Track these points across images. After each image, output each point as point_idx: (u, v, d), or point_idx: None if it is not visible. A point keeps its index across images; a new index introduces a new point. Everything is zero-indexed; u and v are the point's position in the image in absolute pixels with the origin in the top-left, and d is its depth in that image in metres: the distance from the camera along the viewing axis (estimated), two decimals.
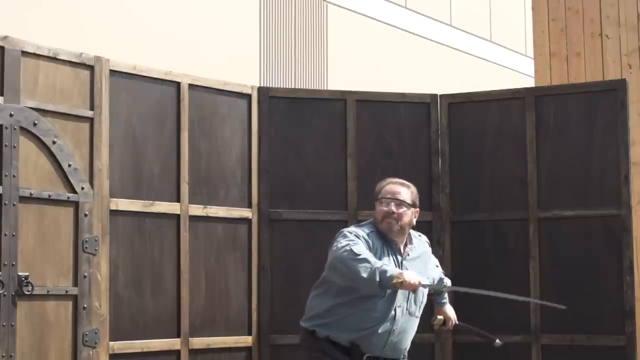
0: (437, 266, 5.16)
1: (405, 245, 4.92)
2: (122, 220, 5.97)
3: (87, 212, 5.73)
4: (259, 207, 6.68)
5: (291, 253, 6.76)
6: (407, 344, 4.92)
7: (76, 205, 5.69)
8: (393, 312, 4.79)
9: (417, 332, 5.01)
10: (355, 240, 4.72)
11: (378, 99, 7.08)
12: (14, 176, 5.37)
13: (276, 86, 11.78)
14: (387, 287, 4.58)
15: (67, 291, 5.60)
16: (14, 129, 5.39)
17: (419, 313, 4.93)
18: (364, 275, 4.55)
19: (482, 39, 16.27)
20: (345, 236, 4.77)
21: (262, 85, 11.46)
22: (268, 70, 12.13)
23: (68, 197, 5.65)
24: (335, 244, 4.74)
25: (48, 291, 5.50)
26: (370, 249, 4.74)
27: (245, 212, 6.62)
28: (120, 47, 9.40)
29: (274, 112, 6.80)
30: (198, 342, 6.29)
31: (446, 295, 5.17)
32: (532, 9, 8.72)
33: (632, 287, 6.60)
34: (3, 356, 5.23)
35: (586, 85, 7.44)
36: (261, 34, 12.11)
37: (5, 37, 5.45)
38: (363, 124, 6.96)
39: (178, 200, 6.27)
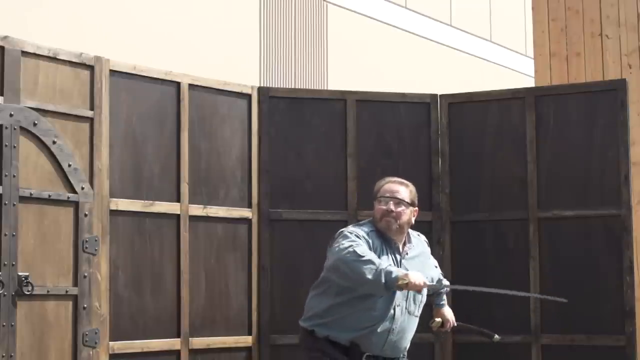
0: (436, 267, 5.16)
1: (404, 244, 4.93)
2: (122, 220, 5.97)
3: (87, 212, 5.73)
4: (259, 207, 6.68)
5: (291, 253, 6.76)
6: (406, 343, 4.92)
7: (76, 205, 5.69)
8: (392, 311, 4.79)
9: (417, 332, 5.01)
10: (357, 241, 4.72)
11: (378, 99, 7.08)
12: (14, 176, 5.37)
13: (276, 86, 11.78)
14: (393, 288, 4.59)
15: (67, 291, 5.60)
16: (14, 129, 5.39)
17: (418, 312, 4.94)
18: (369, 276, 4.55)
19: (482, 39, 16.27)
20: (346, 237, 4.76)
21: (262, 85, 11.46)
22: (268, 70, 12.13)
23: (68, 197, 5.65)
24: (336, 245, 4.74)
25: (48, 291, 5.50)
26: (370, 248, 4.75)
27: (245, 212, 6.62)
28: (120, 47, 9.40)
29: (274, 112, 6.80)
30: (198, 342, 6.29)
31: (445, 297, 5.18)
32: (532, 9, 8.72)
33: (632, 287, 6.60)
34: (3, 356, 5.23)
35: (586, 85, 7.44)
36: (261, 34, 12.11)
37: (5, 37, 5.45)
38: (363, 124, 6.96)
39: (178, 200, 6.27)
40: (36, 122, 5.49)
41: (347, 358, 4.78)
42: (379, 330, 4.77)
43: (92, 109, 5.83)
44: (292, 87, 12.14)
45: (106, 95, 5.91)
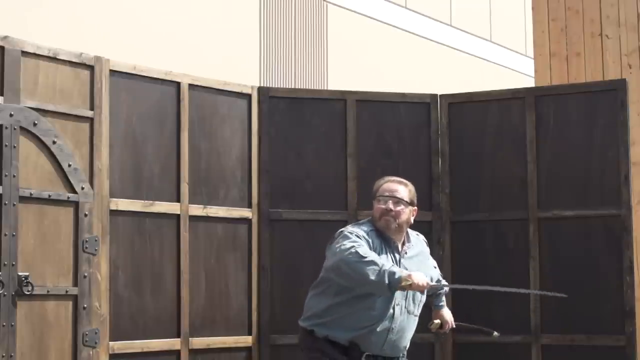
0: (435, 267, 5.16)
1: (403, 243, 4.93)
2: (122, 220, 5.97)
3: (87, 212, 5.73)
4: (259, 207, 6.68)
5: (291, 253, 6.76)
6: (406, 342, 4.92)
7: (76, 205, 5.69)
8: (391, 311, 4.79)
9: (417, 332, 5.01)
10: (358, 241, 4.72)
11: (378, 99, 7.08)
12: (14, 176, 5.37)
13: (276, 86, 11.78)
14: (396, 288, 4.59)
15: (67, 291, 5.60)
16: (14, 129, 5.39)
17: (417, 311, 4.94)
18: (373, 278, 4.55)
19: (482, 39, 16.27)
20: (346, 237, 4.76)
21: (262, 85, 11.46)
22: (268, 70, 12.13)
23: (68, 197, 5.65)
24: (336, 245, 4.73)
25: (48, 291, 5.50)
26: (370, 248, 4.75)
27: (245, 212, 6.62)
28: (120, 47, 9.40)
29: (274, 112, 6.80)
30: (198, 342, 6.29)
31: (444, 298, 5.18)
32: (532, 9, 8.72)
33: (632, 287, 6.60)
34: (3, 356, 5.23)
35: (586, 85, 7.44)
36: (261, 34, 12.11)
37: (5, 37, 5.45)
38: (363, 124, 6.96)
39: (178, 200, 6.27)
40: (36, 122, 5.49)
41: (346, 358, 4.79)
42: (378, 329, 4.78)
43: (92, 109, 5.83)
44: (292, 87, 12.14)
45: (106, 95, 5.91)
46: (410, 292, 4.81)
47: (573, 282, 6.65)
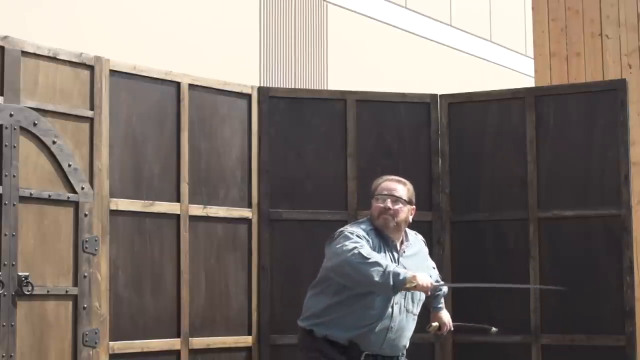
0: (434, 268, 5.16)
1: (402, 242, 4.93)
2: (122, 220, 5.97)
3: (87, 212, 5.73)
4: (259, 207, 6.68)
5: (291, 253, 6.76)
6: (405, 342, 4.92)
7: (76, 205, 5.69)
8: (390, 310, 4.79)
9: (417, 332, 5.01)
10: (360, 242, 4.71)
11: (378, 99, 7.08)
12: (14, 176, 5.37)
13: (276, 86, 11.78)
14: (401, 289, 4.59)
15: (67, 291, 5.60)
16: (14, 129, 5.39)
17: (417, 310, 4.93)
18: (377, 279, 4.55)
19: (482, 39, 16.27)
20: (347, 237, 4.75)
21: (262, 85, 11.46)
22: (268, 70, 12.13)
23: (68, 197, 5.65)
24: (337, 246, 4.72)
25: (48, 291, 5.50)
26: (371, 247, 4.75)
27: (245, 212, 6.62)
28: (120, 47, 9.40)
29: (274, 112, 6.80)
30: (198, 342, 6.29)
31: (442, 300, 5.18)
32: (532, 9, 8.72)
33: (632, 287, 6.60)
34: (3, 356, 5.23)
35: (586, 85, 7.44)
36: (261, 34, 12.11)
37: (5, 37, 5.45)
38: (363, 124, 6.96)
39: (178, 200, 6.27)
40: (36, 122, 5.49)
41: (345, 357, 4.78)
42: (377, 328, 4.77)
43: (92, 109, 5.83)
44: (292, 87, 12.14)
45: (106, 95, 5.91)
46: (410, 292, 4.81)
47: (573, 282, 6.64)
